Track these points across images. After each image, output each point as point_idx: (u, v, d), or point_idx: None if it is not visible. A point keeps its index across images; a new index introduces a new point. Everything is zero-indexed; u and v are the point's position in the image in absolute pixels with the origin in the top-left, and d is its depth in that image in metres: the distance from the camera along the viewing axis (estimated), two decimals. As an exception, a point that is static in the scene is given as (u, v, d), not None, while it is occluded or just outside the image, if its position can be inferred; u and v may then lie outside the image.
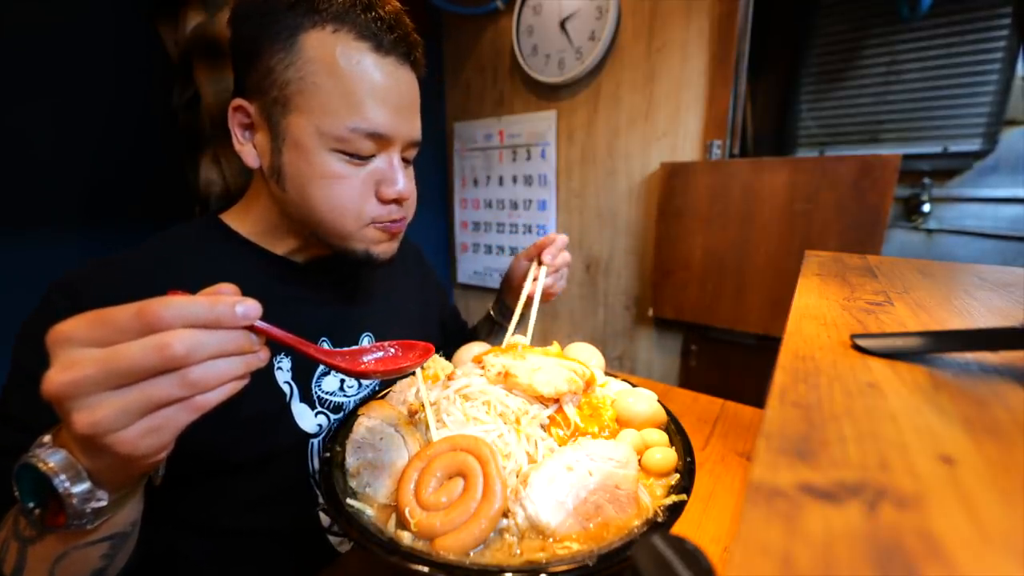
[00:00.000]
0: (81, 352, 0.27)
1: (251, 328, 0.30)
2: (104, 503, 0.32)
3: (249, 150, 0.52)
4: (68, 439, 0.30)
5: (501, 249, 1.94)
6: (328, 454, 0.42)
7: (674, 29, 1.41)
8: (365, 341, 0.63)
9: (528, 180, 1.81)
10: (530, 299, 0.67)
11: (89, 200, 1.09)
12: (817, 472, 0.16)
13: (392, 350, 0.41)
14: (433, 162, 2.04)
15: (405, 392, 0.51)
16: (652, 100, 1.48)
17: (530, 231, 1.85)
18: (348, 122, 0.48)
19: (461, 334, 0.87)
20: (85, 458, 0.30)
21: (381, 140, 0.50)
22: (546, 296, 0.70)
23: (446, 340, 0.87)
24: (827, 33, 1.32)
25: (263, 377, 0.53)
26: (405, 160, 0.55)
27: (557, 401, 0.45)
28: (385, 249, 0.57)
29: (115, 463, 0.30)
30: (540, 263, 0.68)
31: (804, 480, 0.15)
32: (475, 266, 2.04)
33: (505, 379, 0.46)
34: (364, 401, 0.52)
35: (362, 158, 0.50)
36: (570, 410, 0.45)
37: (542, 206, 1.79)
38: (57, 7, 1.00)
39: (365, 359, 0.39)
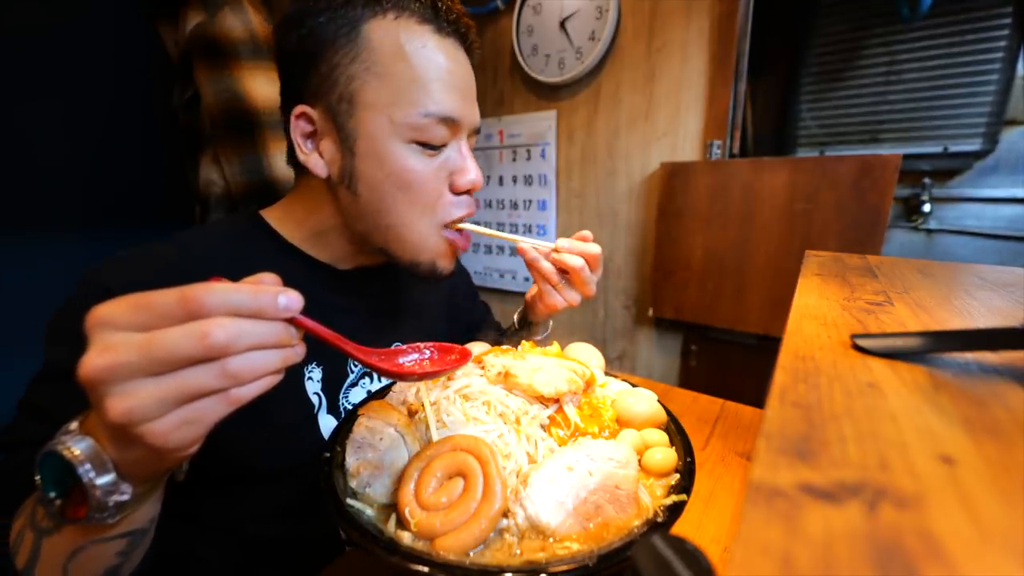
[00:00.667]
0: (120, 336, 0.26)
1: (290, 321, 0.29)
2: (127, 497, 0.31)
3: (316, 159, 0.50)
4: (97, 427, 0.29)
5: (501, 249, 1.94)
6: (328, 454, 0.42)
7: (674, 29, 1.41)
8: None
9: (528, 180, 1.81)
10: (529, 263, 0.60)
11: (89, 200, 1.09)
12: (817, 472, 0.16)
13: (428, 352, 0.40)
14: (433, 162, 2.04)
15: (405, 392, 0.51)
16: (652, 100, 1.48)
17: (530, 231, 1.85)
18: (421, 107, 0.47)
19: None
20: (113, 448, 0.29)
21: (453, 125, 0.49)
22: (540, 292, 0.62)
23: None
24: (827, 33, 1.32)
25: (293, 387, 0.52)
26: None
27: (557, 401, 0.45)
28: (449, 264, 0.56)
29: (144, 455, 0.29)
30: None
31: (804, 480, 0.15)
32: (475, 266, 2.04)
33: (505, 379, 0.46)
34: (364, 401, 0.52)
35: (435, 148, 0.49)
36: (570, 410, 0.45)
37: (542, 206, 1.79)
38: (57, 7, 1.00)
39: (403, 360, 0.39)
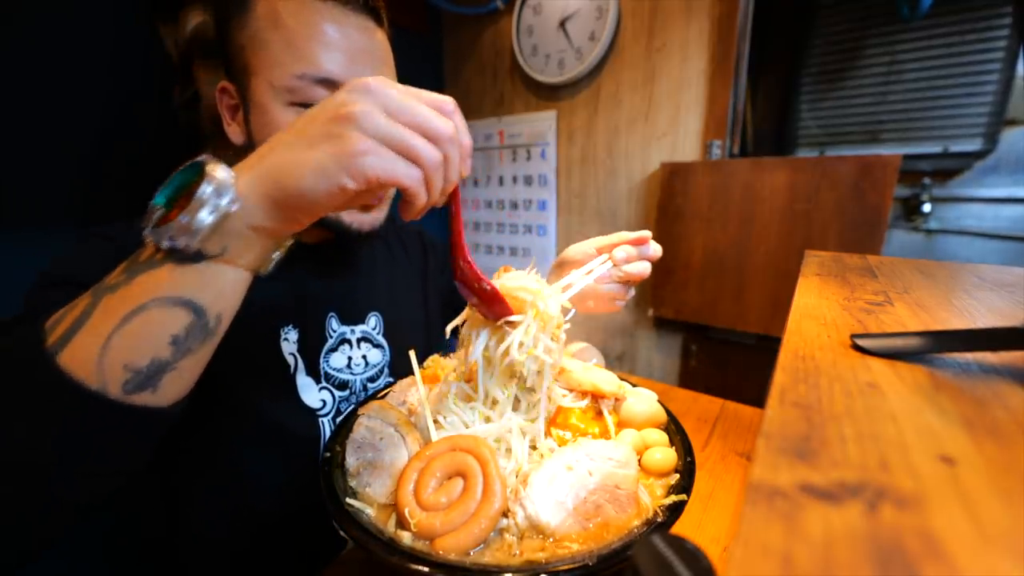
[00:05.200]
0: (390, 81, 0.32)
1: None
2: (235, 206, 0.31)
3: (234, 128, 0.54)
4: (254, 155, 0.33)
5: (501, 249, 1.94)
6: (328, 454, 0.42)
7: (674, 29, 1.41)
8: (372, 320, 0.65)
9: (528, 180, 1.81)
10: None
11: (89, 199, 1.09)
12: (817, 472, 0.16)
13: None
14: (433, 162, 2.04)
15: (405, 392, 0.51)
16: (652, 100, 1.48)
17: (530, 231, 1.85)
18: (295, 70, 0.48)
19: None
20: (282, 151, 0.32)
21: (335, 87, 0.49)
22: (596, 305, 0.57)
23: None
24: (827, 33, 1.32)
25: (268, 347, 0.55)
26: None
27: (595, 399, 0.47)
28: (363, 220, 0.56)
29: (309, 163, 0.30)
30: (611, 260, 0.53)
31: (804, 480, 0.15)
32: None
33: (560, 374, 0.48)
34: (364, 401, 0.52)
35: None
36: (605, 410, 0.47)
37: (542, 206, 1.79)
38: (57, 7, 1.00)
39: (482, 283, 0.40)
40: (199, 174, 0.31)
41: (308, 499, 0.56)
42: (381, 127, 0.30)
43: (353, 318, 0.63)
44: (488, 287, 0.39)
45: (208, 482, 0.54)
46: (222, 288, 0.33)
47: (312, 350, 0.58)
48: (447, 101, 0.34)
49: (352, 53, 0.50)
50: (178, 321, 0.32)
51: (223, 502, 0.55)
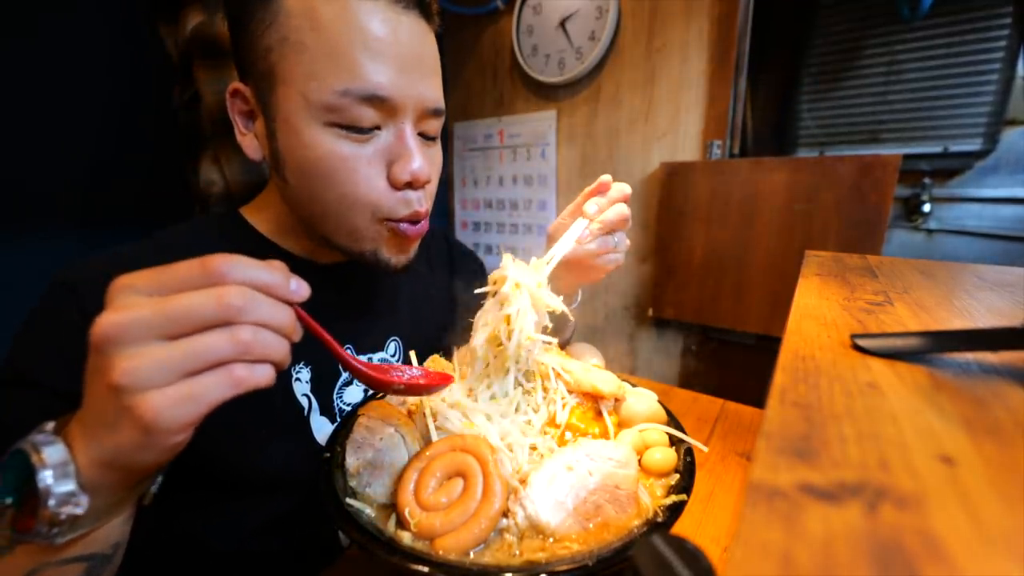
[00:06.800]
0: (139, 297, 0.26)
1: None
2: (81, 510, 0.28)
3: (250, 140, 0.47)
4: (75, 427, 0.28)
5: (501, 249, 1.94)
6: (328, 454, 0.42)
7: (674, 29, 1.41)
8: (392, 347, 0.60)
9: (528, 180, 1.81)
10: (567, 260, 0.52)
11: (89, 200, 1.09)
12: (817, 472, 0.16)
13: (418, 373, 0.40)
14: (433, 162, 2.04)
15: (405, 392, 0.51)
16: (652, 100, 1.48)
17: (530, 231, 1.85)
18: (337, 84, 0.40)
19: None
20: (91, 438, 0.27)
21: (384, 105, 0.42)
22: (591, 268, 0.56)
23: None
24: (827, 33, 1.32)
25: (280, 389, 0.50)
26: (424, 136, 0.47)
27: (596, 399, 0.46)
28: (399, 256, 0.50)
29: (124, 444, 0.26)
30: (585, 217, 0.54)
31: (804, 480, 0.15)
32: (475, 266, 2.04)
33: (558, 377, 0.47)
34: (364, 401, 0.52)
35: (364, 131, 0.42)
36: (604, 411, 0.46)
37: (542, 206, 1.79)
38: (58, 7, 1.00)
39: (394, 374, 0.38)
40: (29, 467, 0.27)
41: (309, 534, 0.53)
42: (162, 371, 0.25)
43: (371, 346, 0.57)
44: (402, 385, 0.37)
45: (209, 530, 0.50)
46: (108, 534, 0.32)
47: (326, 388, 0.53)
48: (214, 270, 0.26)
49: (402, 61, 0.42)
50: (75, 570, 0.31)
51: (220, 547, 0.50)
